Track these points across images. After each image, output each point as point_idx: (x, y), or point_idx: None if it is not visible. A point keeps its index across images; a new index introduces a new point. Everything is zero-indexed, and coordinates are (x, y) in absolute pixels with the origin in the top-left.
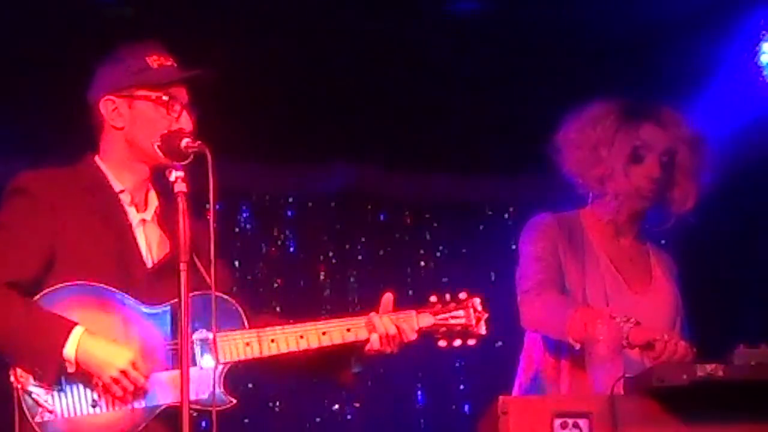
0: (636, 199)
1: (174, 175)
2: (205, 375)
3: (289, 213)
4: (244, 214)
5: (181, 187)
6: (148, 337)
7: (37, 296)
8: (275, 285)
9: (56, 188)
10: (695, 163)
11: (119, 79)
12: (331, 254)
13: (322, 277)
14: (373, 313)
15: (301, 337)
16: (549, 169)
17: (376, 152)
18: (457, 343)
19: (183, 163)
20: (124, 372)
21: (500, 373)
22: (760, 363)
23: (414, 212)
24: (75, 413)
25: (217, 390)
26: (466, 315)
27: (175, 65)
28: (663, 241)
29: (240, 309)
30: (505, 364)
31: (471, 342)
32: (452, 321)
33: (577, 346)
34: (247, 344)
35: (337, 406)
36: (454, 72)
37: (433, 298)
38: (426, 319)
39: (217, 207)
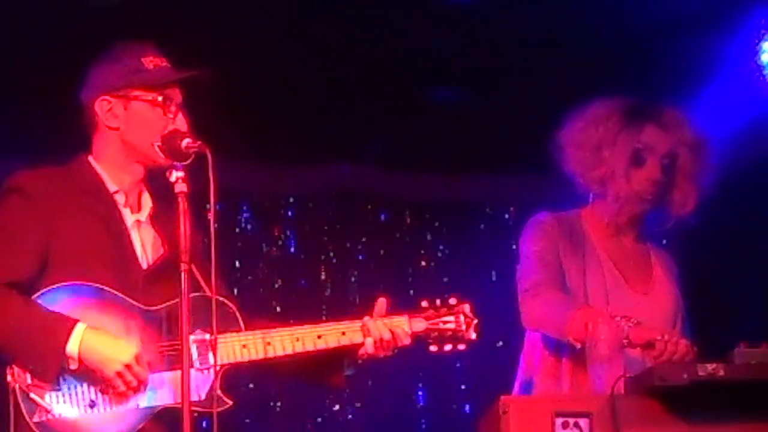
0: (636, 201)
1: (175, 175)
2: (201, 376)
3: (290, 213)
4: (245, 215)
5: (181, 187)
6: (145, 337)
7: (35, 296)
8: (276, 285)
9: (52, 188)
10: (696, 166)
11: (115, 80)
12: (331, 254)
13: (322, 277)
14: (367, 318)
15: (297, 339)
16: (549, 169)
17: (376, 152)
18: (448, 347)
19: (184, 163)
20: (128, 366)
21: (501, 372)
22: (761, 362)
23: (414, 212)
24: (73, 413)
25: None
26: (456, 320)
27: (169, 66)
28: (664, 241)
29: (237, 312)
30: (506, 363)
31: (461, 347)
32: (443, 326)
33: (578, 346)
34: (244, 346)
35: (338, 406)
36: (455, 71)
37: (424, 304)
38: (419, 324)
39: (218, 207)
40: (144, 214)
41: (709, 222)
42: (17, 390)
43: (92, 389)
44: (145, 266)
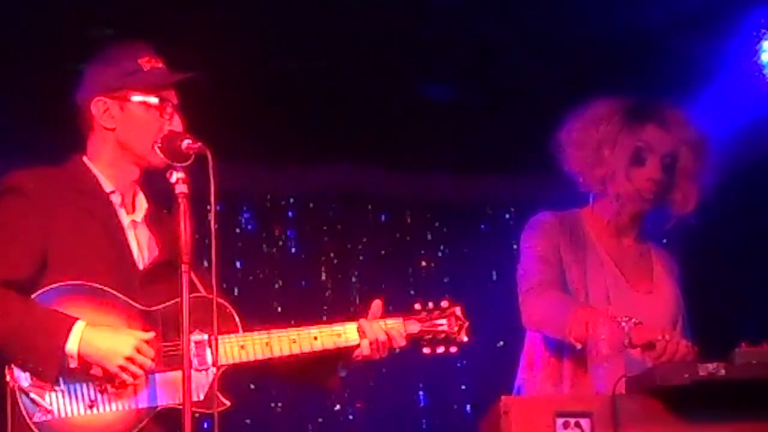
0: (637, 201)
1: (175, 176)
2: (199, 377)
3: (290, 213)
4: (245, 215)
5: (182, 188)
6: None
7: (33, 296)
8: (277, 285)
9: (49, 188)
10: (697, 165)
11: (111, 80)
12: (332, 254)
13: (323, 278)
14: (362, 320)
15: (294, 341)
16: (549, 168)
17: (376, 152)
18: (440, 350)
19: (184, 164)
20: (130, 359)
21: (501, 372)
22: (762, 362)
23: (414, 212)
24: (72, 413)
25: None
26: (449, 323)
27: (165, 67)
28: (665, 241)
29: (234, 313)
30: (507, 363)
31: (453, 349)
32: (435, 329)
33: (579, 346)
34: (242, 347)
35: (338, 407)
36: (455, 71)
37: (417, 306)
38: (413, 326)
39: (218, 208)
40: (140, 215)
41: (709, 222)
42: (16, 390)
43: (92, 389)
44: (141, 267)
